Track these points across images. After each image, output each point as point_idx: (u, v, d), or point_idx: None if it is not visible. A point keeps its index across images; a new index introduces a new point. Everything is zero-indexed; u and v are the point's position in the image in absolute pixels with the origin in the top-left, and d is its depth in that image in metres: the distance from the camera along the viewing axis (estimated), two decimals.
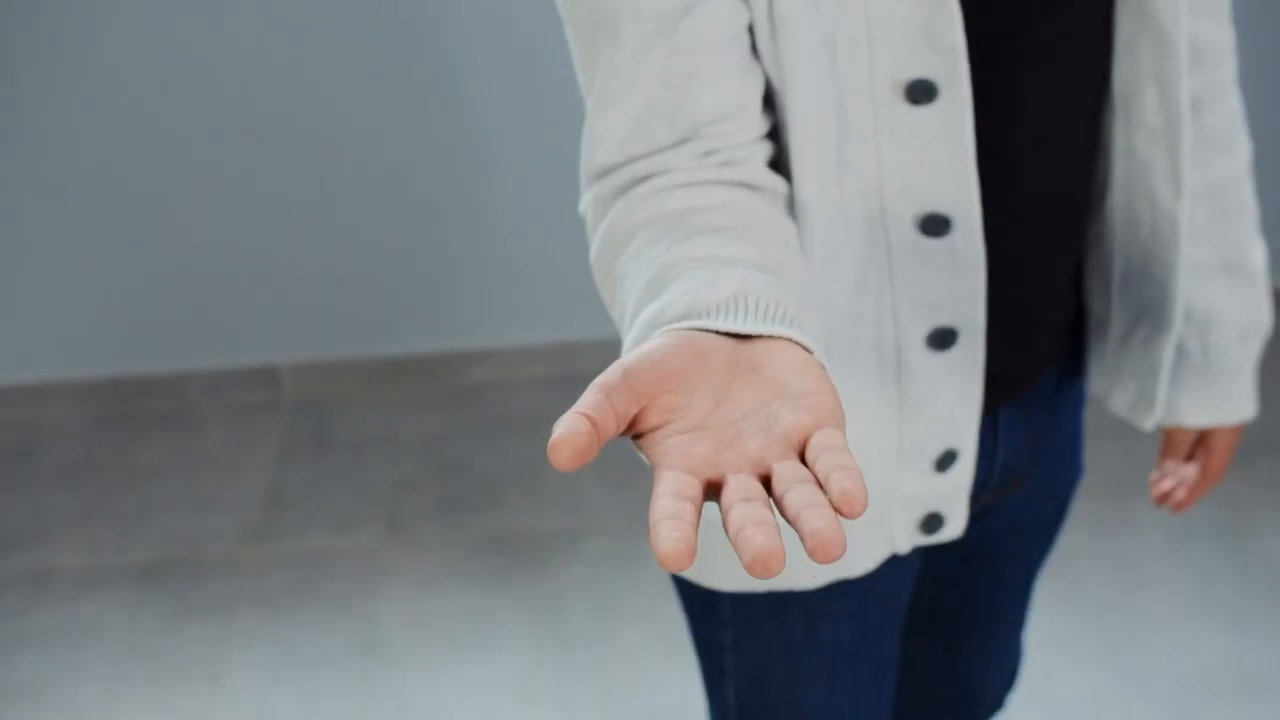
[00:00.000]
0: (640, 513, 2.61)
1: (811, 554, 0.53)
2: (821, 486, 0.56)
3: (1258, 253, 1.17)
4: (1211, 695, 2.15)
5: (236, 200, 2.85)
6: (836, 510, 0.55)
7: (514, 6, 2.71)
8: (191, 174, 2.82)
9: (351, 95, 2.77)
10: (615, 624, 2.36)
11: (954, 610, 1.30)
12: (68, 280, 2.90)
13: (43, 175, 2.80)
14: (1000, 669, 1.38)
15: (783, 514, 0.56)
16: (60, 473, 2.80)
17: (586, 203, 0.90)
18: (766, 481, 0.58)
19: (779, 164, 0.93)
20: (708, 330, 0.67)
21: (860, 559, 1.08)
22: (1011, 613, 1.34)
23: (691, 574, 1.13)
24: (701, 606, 1.15)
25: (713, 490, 0.58)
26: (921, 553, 1.16)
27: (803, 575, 1.08)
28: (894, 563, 1.12)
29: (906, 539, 1.09)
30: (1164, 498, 1.26)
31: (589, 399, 0.59)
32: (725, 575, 1.11)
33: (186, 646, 2.38)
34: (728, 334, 0.67)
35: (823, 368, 0.65)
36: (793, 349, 0.65)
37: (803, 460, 0.60)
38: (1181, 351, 1.17)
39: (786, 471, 0.58)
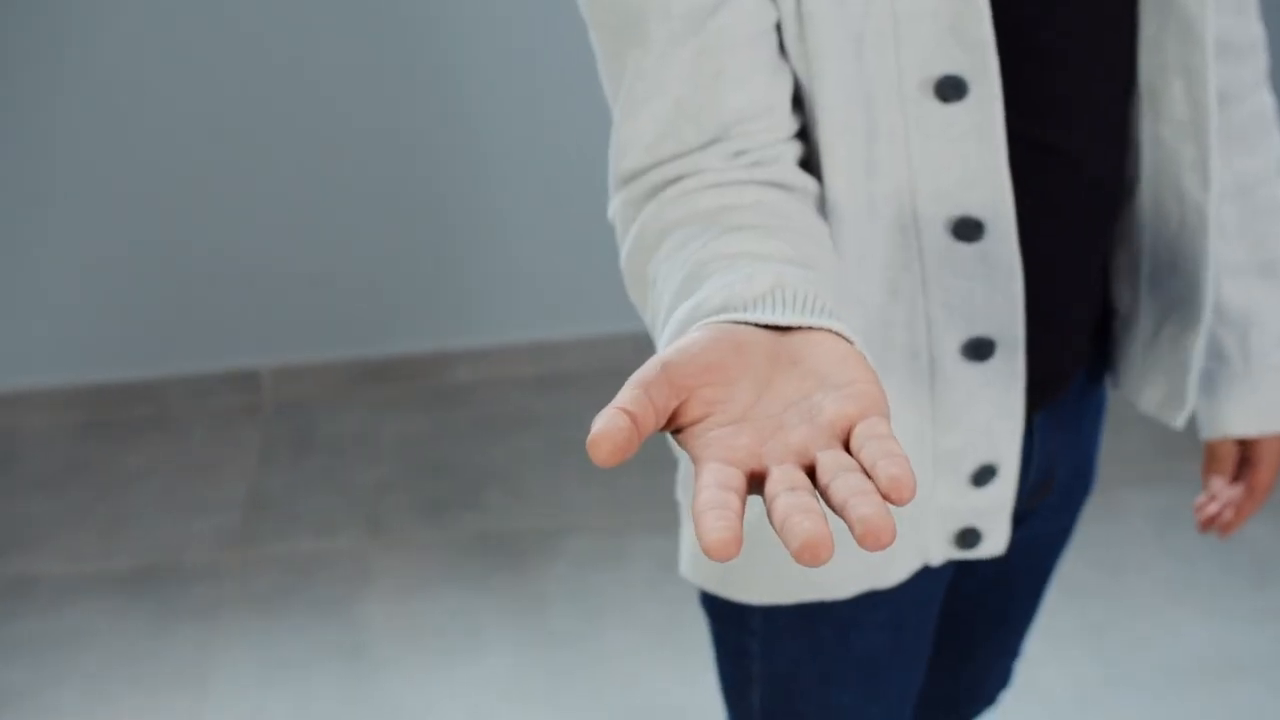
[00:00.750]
0: (623, 510, 2.61)
1: (861, 541, 0.51)
2: (868, 474, 0.55)
3: None
4: (1195, 681, 2.16)
5: (216, 205, 2.84)
6: (885, 497, 0.53)
7: (501, 7, 2.71)
8: (169, 180, 2.81)
9: (335, 98, 2.77)
10: (600, 622, 2.36)
11: (965, 617, 1.28)
12: (47, 287, 2.88)
13: (23, 183, 2.79)
14: (1000, 672, 1.37)
15: (828, 503, 0.55)
16: (42, 479, 2.79)
17: (615, 207, 0.89)
18: (811, 473, 0.57)
19: (809, 164, 0.91)
20: (746, 323, 0.66)
21: (892, 569, 1.06)
22: (1020, 621, 1.32)
23: (718, 587, 1.10)
24: (728, 614, 1.13)
25: (755, 483, 0.57)
26: (954, 565, 1.14)
27: (833, 585, 1.06)
28: (926, 573, 1.10)
29: (940, 551, 1.07)
30: (1210, 522, 1.22)
31: (627, 394, 0.58)
32: (753, 588, 1.08)
33: (172, 652, 2.37)
34: (766, 327, 0.66)
35: (864, 357, 0.63)
36: (832, 339, 0.64)
37: (847, 450, 0.58)
38: (1222, 358, 1.14)
39: (831, 460, 0.56)
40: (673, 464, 2.72)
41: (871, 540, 0.51)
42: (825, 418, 0.59)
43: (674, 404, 0.59)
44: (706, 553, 0.51)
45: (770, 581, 1.07)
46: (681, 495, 1.12)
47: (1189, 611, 2.29)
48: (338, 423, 2.92)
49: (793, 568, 1.06)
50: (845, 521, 0.53)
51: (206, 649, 2.36)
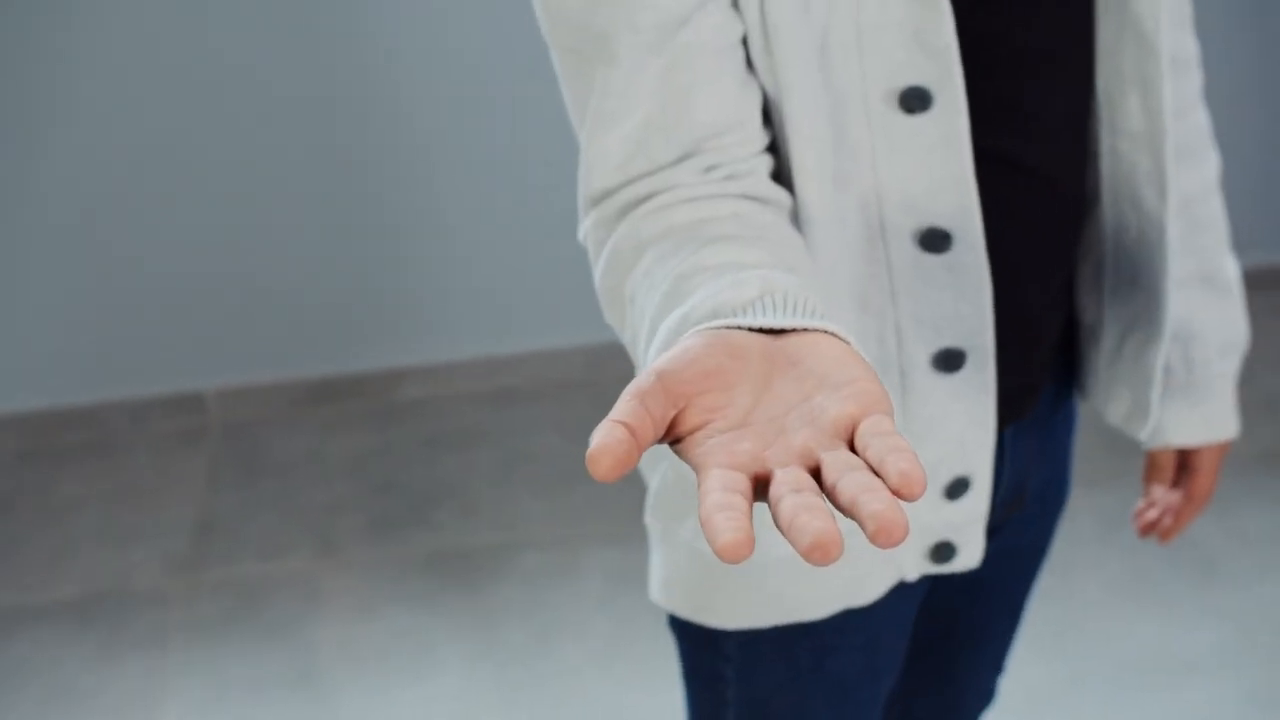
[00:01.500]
0: (574, 524, 2.60)
1: (874, 538, 0.50)
2: (876, 473, 0.54)
3: (1230, 266, 1.15)
4: (1146, 679, 2.17)
5: (154, 226, 2.81)
6: (895, 493, 0.52)
7: (452, 24, 2.70)
8: (104, 202, 2.78)
9: (275, 116, 2.75)
10: (552, 637, 2.35)
11: (944, 633, 1.27)
12: None
13: None
14: (981, 688, 1.36)
15: (836, 503, 0.54)
16: None
17: (586, 228, 0.88)
18: (816, 474, 0.56)
19: (779, 177, 0.91)
20: (738, 329, 0.64)
21: (868, 587, 1.05)
22: (1000, 636, 1.32)
23: (692, 613, 1.08)
24: (701, 639, 1.11)
25: (760, 488, 0.56)
26: (929, 580, 1.13)
27: (810, 606, 1.05)
28: (900, 590, 1.10)
29: (915, 567, 1.06)
30: (1150, 527, 1.22)
31: (624, 406, 0.57)
32: (728, 613, 1.07)
33: (121, 680, 2.34)
34: (759, 332, 0.65)
35: (861, 356, 0.63)
36: (828, 340, 0.63)
37: (852, 450, 0.57)
38: (1166, 369, 1.15)
39: (837, 460, 0.55)
40: (623, 479, 2.71)
41: (884, 537, 0.50)
42: (828, 418, 0.58)
43: (671, 413, 0.58)
44: (720, 555, 0.50)
45: (745, 606, 1.06)
46: (651, 520, 1.10)
47: (1140, 610, 2.30)
48: (285, 444, 2.89)
49: (768, 591, 1.05)
50: (856, 520, 0.52)
51: (156, 676, 2.34)
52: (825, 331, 0.64)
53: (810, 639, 1.08)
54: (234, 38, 2.67)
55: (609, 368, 3.03)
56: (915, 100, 0.88)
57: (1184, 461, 1.21)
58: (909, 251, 0.93)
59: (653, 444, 0.57)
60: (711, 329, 0.64)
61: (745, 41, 0.87)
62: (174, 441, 2.93)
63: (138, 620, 2.46)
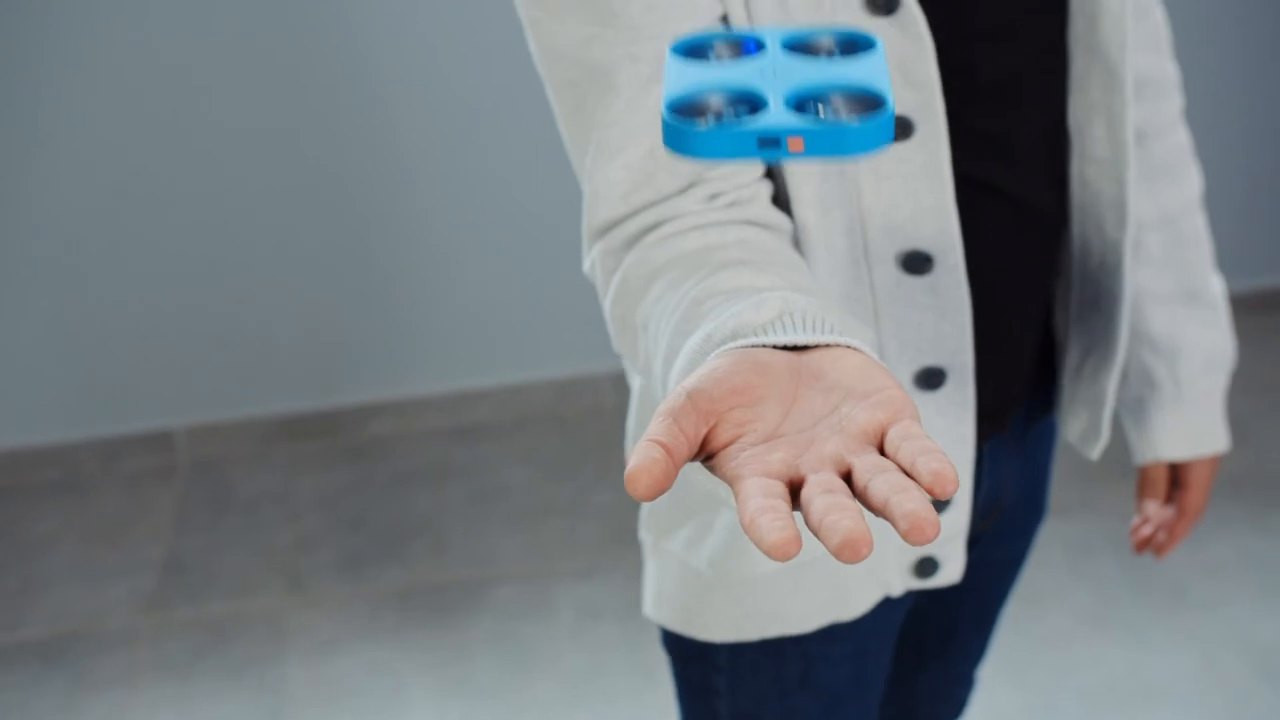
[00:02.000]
0: (546, 559, 2.60)
1: (906, 536, 0.52)
2: (907, 474, 0.56)
3: (1215, 283, 1.18)
4: (1115, 706, 2.19)
5: (123, 264, 2.81)
6: (929, 492, 0.54)
7: (423, 58, 2.71)
8: (72, 240, 2.78)
9: (239, 155, 2.75)
10: (524, 673, 2.35)
11: (917, 643, 1.29)
12: None
13: None
14: (953, 700, 1.38)
15: (868, 505, 0.55)
16: None
17: (593, 259, 0.89)
18: (847, 479, 0.58)
19: (776, 202, 0.93)
20: (762, 346, 0.66)
21: (855, 601, 1.07)
22: (972, 648, 1.34)
23: (683, 627, 1.11)
24: (693, 653, 1.13)
25: (793, 495, 0.57)
26: (912, 594, 1.16)
27: (798, 619, 1.07)
28: (886, 604, 1.12)
29: (901, 582, 1.08)
30: (1146, 543, 1.24)
31: (658, 425, 0.58)
32: (718, 627, 1.09)
33: None
34: (781, 349, 0.67)
35: (884, 366, 0.64)
36: (849, 353, 0.65)
37: (882, 454, 0.59)
38: (1153, 385, 1.17)
39: (868, 463, 0.57)
40: (594, 512, 2.71)
41: (917, 534, 0.52)
42: (857, 425, 0.60)
43: (704, 430, 0.60)
44: (769, 554, 0.52)
45: (734, 619, 1.08)
46: (644, 534, 1.12)
47: (1107, 638, 2.32)
48: (254, 481, 2.88)
49: (756, 604, 1.07)
50: (889, 519, 0.54)
51: (125, 716, 2.32)
52: (846, 346, 0.66)
53: (798, 651, 1.10)
54: (204, 70, 2.68)
55: (577, 401, 3.04)
56: (899, 129, 0.90)
57: (1176, 476, 1.24)
58: (892, 274, 0.95)
59: (687, 461, 0.59)
60: (736, 348, 0.66)
61: None
62: (143, 480, 2.91)
63: (106, 659, 2.44)
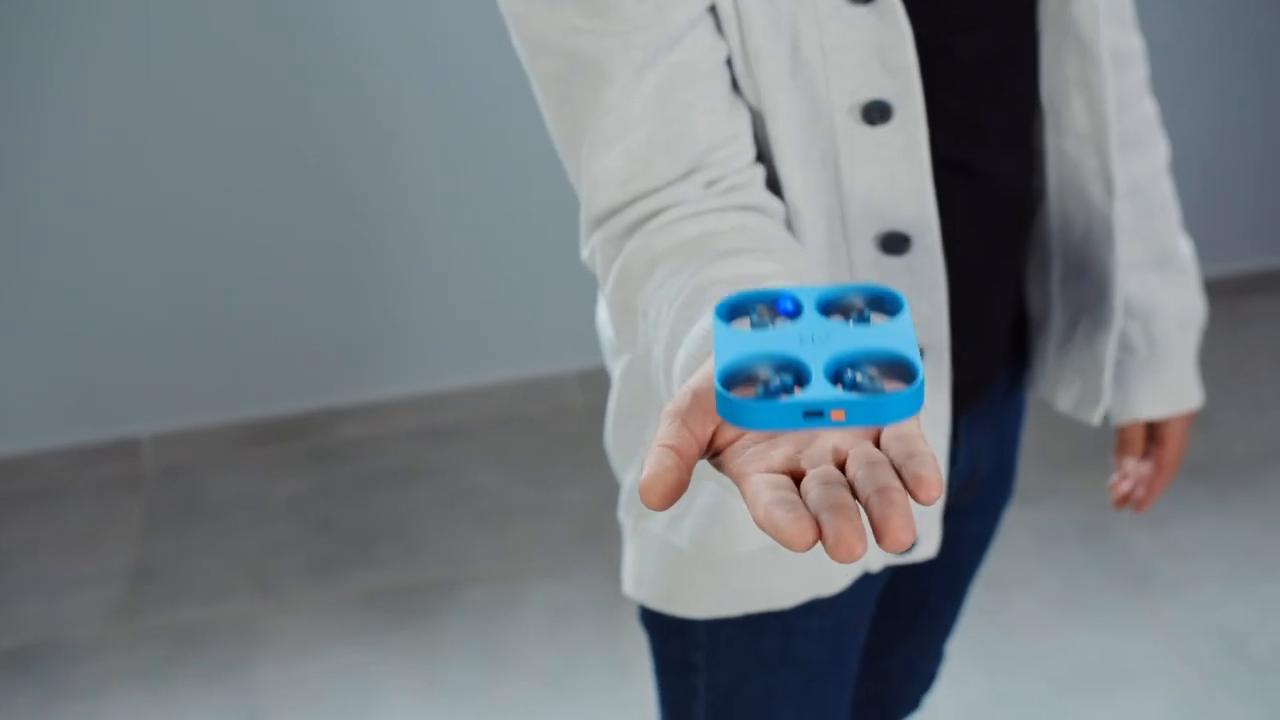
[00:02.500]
0: (517, 558, 2.60)
1: (879, 541, 0.54)
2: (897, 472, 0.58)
3: (1184, 246, 1.21)
4: (1085, 692, 2.21)
5: (85, 268, 2.79)
6: (910, 493, 0.56)
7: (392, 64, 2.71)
8: (34, 249, 2.76)
9: (203, 159, 2.74)
10: (498, 673, 2.35)
11: (890, 618, 1.31)
12: None
13: None
14: (922, 673, 1.41)
15: (855, 496, 0.57)
16: None
17: (592, 247, 0.90)
18: (843, 468, 0.60)
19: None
20: None
21: (833, 579, 1.09)
22: (941, 622, 1.37)
23: (663, 604, 1.12)
24: (672, 629, 1.15)
25: (796, 486, 0.59)
26: (889, 568, 1.18)
27: (778, 594, 1.09)
28: (864, 580, 1.14)
29: (880, 558, 1.11)
30: (1125, 499, 1.28)
31: (666, 429, 0.60)
32: (698, 603, 1.11)
33: None
34: None
35: None
36: None
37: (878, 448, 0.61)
38: (1128, 347, 1.20)
39: (859, 454, 0.59)
40: (562, 512, 2.72)
41: (890, 542, 0.54)
42: None
43: (710, 429, 0.61)
44: (788, 545, 0.54)
45: (714, 596, 1.10)
46: (624, 516, 1.14)
47: (1074, 624, 2.34)
48: (223, 487, 2.88)
49: (737, 581, 1.09)
50: (868, 516, 0.56)
51: None
52: None
53: (779, 625, 1.11)
54: (171, 74, 2.67)
55: (546, 401, 3.04)
56: (877, 113, 0.92)
57: (1152, 434, 1.27)
58: (870, 254, 0.97)
59: (698, 460, 0.61)
60: None
61: (729, 62, 0.91)
62: (111, 488, 2.90)
63: (77, 669, 2.43)
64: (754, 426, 0.56)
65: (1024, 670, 2.26)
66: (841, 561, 0.54)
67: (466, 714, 2.27)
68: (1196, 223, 3.09)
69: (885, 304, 0.63)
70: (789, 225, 0.94)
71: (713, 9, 0.88)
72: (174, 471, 2.93)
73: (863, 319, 0.62)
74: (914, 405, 0.55)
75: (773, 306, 0.63)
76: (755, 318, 0.62)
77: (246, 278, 2.85)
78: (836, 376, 0.58)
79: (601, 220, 0.90)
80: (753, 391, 0.57)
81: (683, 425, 0.60)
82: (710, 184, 0.88)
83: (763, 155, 0.93)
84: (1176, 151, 3.00)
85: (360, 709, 2.30)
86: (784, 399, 0.55)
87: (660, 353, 0.80)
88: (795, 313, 0.62)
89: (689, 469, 0.59)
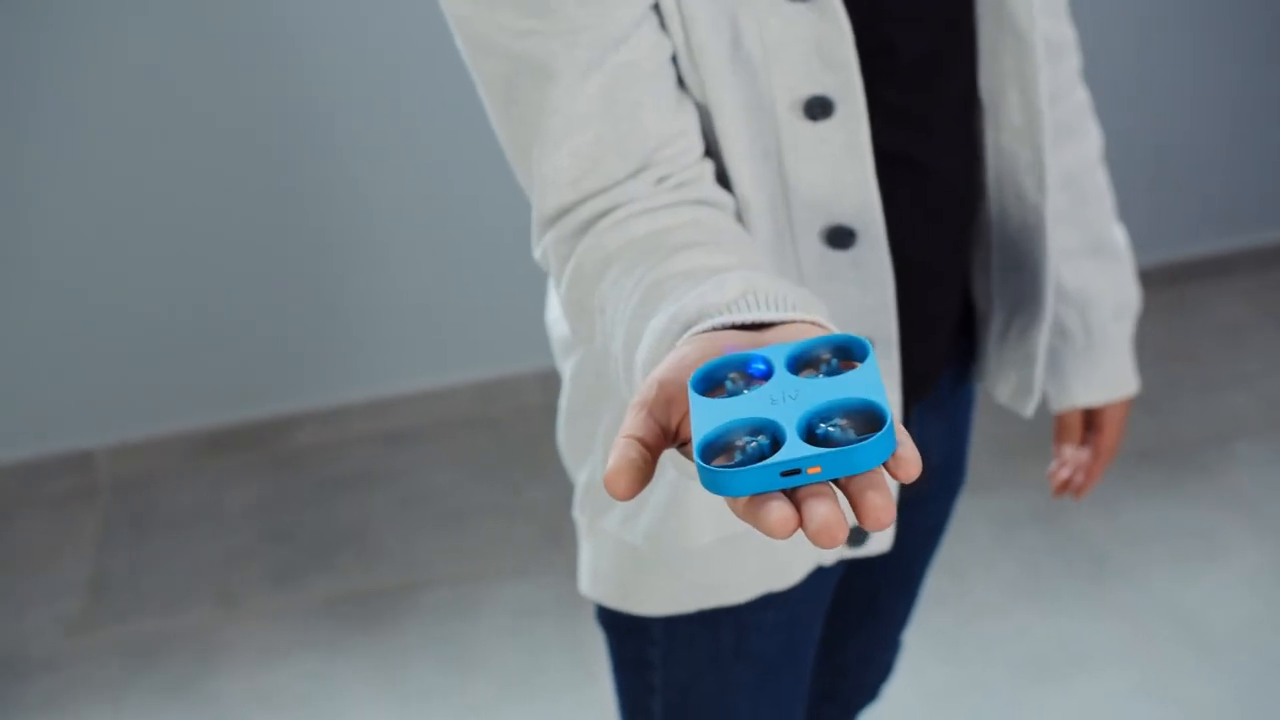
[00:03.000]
0: (477, 560, 2.60)
1: (860, 519, 0.56)
2: None
3: (1118, 234, 1.23)
4: (1043, 678, 2.23)
5: (31, 283, 2.77)
6: (890, 472, 0.57)
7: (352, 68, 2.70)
8: None
9: (151, 168, 2.72)
10: (461, 675, 2.35)
11: (845, 610, 1.32)
12: None
13: None
14: (879, 663, 1.43)
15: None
16: None
17: (544, 247, 0.91)
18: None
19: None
20: (725, 328, 0.69)
21: (788, 571, 1.10)
22: (896, 613, 1.38)
23: (619, 601, 1.13)
24: (628, 626, 1.16)
25: None
26: (844, 562, 1.19)
27: (732, 589, 1.10)
28: (818, 573, 1.15)
29: (833, 551, 1.11)
30: (1065, 486, 1.30)
31: (632, 419, 0.61)
32: (653, 600, 1.11)
33: None
34: (745, 329, 0.70)
35: None
36: (810, 329, 0.68)
37: None
38: (1065, 335, 1.22)
39: None
40: (524, 511, 2.72)
41: (872, 521, 0.55)
42: None
43: (676, 418, 0.63)
44: (770, 533, 0.55)
45: (669, 593, 1.10)
46: (579, 514, 1.14)
47: (1033, 611, 2.36)
48: (178, 497, 2.86)
49: (692, 576, 1.09)
50: (846, 498, 0.57)
51: None
52: (809, 322, 0.69)
53: (733, 621, 1.12)
54: (132, 79, 2.64)
55: (503, 401, 3.04)
56: (819, 108, 0.93)
57: (1090, 420, 1.29)
58: (816, 249, 0.98)
59: (664, 450, 0.62)
60: (699, 333, 0.69)
61: (674, 59, 0.91)
62: (65, 501, 2.87)
63: (35, 685, 2.41)
64: (736, 493, 0.57)
65: (983, 657, 2.28)
66: (824, 547, 0.55)
67: (431, 717, 2.27)
68: (1144, 209, 3.13)
69: (852, 352, 0.65)
70: (739, 218, 0.94)
71: (656, 7, 0.89)
72: (129, 483, 2.91)
73: (832, 370, 0.63)
74: (886, 450, 0.57)
75: (744, 371, 0.64)
76: (730, 384, 0.64)
77: (198, 286, 2.83)
78: (810, 432, 0.59)
79: (553, 220, 0.90)
80: (732, 459, 0.59)
81: (648, 415, 0.61)
82: (660, 180, 0.89)
83: (710, 150, 0.94)
84: (1125, 138, 3.03)
85: (324, 716, 2.29)
86: (762, 463, 0.57)
87: (619, 349, 0.81)
88: (767, 373, 0.64)
89: (655, 460, 0.60)
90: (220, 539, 2.72)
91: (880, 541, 1.12)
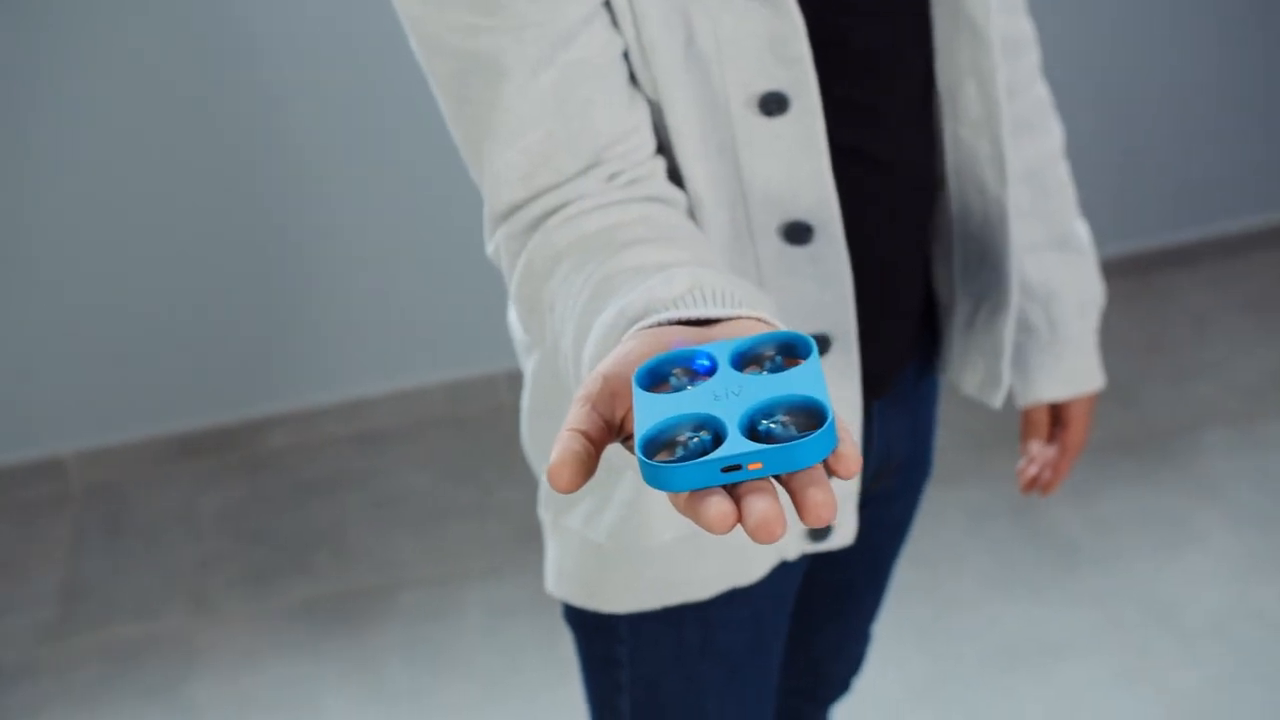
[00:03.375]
0: (452, 560, 2.60)
1: (801, 515, 0.56)
2: None
3: (1081, 228, 1.23)
4: (1019, 667, 2.24)
5: (1, 286, 2.75)
6: (830, 470, 0.57)
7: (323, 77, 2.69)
8: None
9: (119, 170, 2.71)
10: (437, 676, 2.34)
11: (813, 604, 1.32)
12: None
13: None
14: (850, 656, 1.43)
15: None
16: None
17: (496, 243, 0.91)
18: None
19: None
20: (671, 324, 0.69)
21: (752, 567, 1.10)
22: (865, 606, 1.38)
23: (584, 600, 1.13)
24: (595, 625, 1.16)
25: None
26: (808, 556, 1.19)
27: (696, 586, 1.10)
28: (782, 568, 1.15)
29: (795, 547, 1.11)
30: (1033, 482, 1.30)
31: (576, 413, 0.61)
32: (618, 598, 1.11)
33: None
34: (691, 324, 0.70)
35: None
36: (755, 325, 0.68)
37: None
38: (1030, 330, 1.22)
39: None
40: (498, 511, 2.72)
41: (812, 517, 0.55)
42: None
43: (620, 412, 0.63)
44: (709, 528, 0.55)
45: (633, 590, 1.10)
46: (543, 512, 1.14)
47: (1007, 599, 2.37)
48: (151, 502, 2.84)
49: (655, 573, 1.09)
50: (788, 494, 0.57)
51: None
52: (754, 318, 0.69)
53: (698, 617, 1.12)
54: (95, 86, 2.63)
55: (475, 401, 3.03)
56: (774, 104, 0.93)
57: (1056, 416, 1.29)
58: (774, 245, 0.98)
59: (608, 444, 0.62)
60: (645, 328, 0.69)
61: (626, 55, 0.91)
62: (36, 509, 2.86)
63: (9, 694, 2.39)
64: (677, 489, 0.57)
65: (960, 647, 2.29)
66: (762, 542, 0.55)
67: (409, 718, 2.26)
68: (1115, 198, 3.14)
69: (797, 349, 0.65)
70: (692, 215, 0.94)
71: (607, 4, 0.89)
72: (101, 489, 2.89)
73: (776, 366, 0.64)
74: (826, 447, 0.57)
75: (689, 366, 0.65)
76: (674, 380, 0.64)
77: (169, 289, 2.82)
78: (752, 428, 0.60)
79: (505, 217, 0.90)
80: (674, 454, 0.59)
81: (592, 409, 0.61)
82: (612, 177, 0.89)
83: (663, 147, 0.94)
84: (1096, 128, 3.05)
85: (302, 718, 2.29)
86: (703, 458, 0.57)
87: (568, 345, 0.81)
88: (711, 370, 0.64)
89: (598, 453, 0.60)
90: (194, 543, 2.71)
91: (842, 535, 1.12)
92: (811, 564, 1.26)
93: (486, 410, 3.01)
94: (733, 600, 1.12)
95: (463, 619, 2.45)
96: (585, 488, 1.08)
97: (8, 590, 2.63)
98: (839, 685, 1.45)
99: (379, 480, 2.84)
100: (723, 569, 1.09)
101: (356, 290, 2.91)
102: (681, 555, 1.08)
